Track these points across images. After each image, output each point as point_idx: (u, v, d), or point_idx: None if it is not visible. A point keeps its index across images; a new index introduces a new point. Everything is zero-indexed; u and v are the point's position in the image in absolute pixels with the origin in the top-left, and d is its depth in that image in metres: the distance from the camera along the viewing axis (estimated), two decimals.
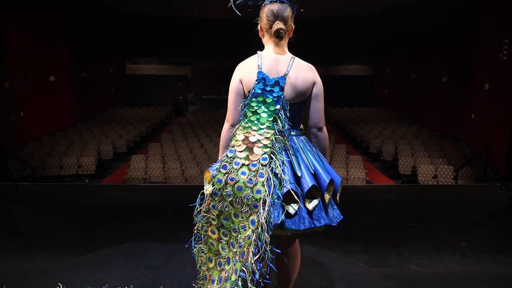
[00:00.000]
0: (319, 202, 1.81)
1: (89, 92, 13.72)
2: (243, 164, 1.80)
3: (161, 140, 11.37)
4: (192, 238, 1.97)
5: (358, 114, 14.96)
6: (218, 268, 1.96)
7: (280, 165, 1.78)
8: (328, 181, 1.81)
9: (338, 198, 1.96)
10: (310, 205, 1.80)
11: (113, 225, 3.99)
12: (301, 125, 2.00)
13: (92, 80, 13.95)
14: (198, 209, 1.89)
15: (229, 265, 1.89)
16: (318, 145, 1.97)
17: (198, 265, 2.03)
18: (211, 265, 2.00)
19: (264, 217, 1.71)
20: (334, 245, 3.29)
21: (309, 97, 1.91)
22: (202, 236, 1.97)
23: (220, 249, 1.95)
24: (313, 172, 1.83)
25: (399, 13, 13.04)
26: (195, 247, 2.01)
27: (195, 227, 1.95)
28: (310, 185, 1.77)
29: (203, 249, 2.00)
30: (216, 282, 1.93)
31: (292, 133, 1.92)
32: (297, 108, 1.92)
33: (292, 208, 1.77)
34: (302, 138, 1.95)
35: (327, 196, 1.85)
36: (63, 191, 5.94)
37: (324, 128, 1.97)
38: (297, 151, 1.88)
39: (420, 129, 12.23)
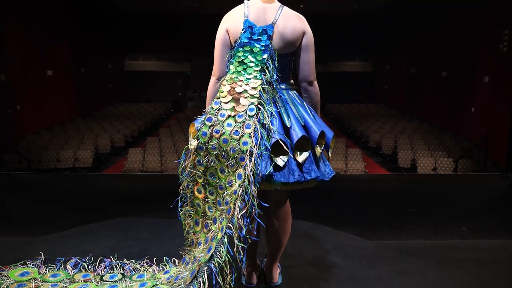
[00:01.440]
0: (309, 155, 1.73)
1: (87, 88, 13.65)
2: (229, 116, 1.72)
3: (159, 134, 11.28)
4: (178, 198, 1.89)
5: (358, 110, 14.88)
6: (205, 230, 1.88)
7: (268, 116, 1.70)
8: (319, 133, 1.73)
9: (330, 155, 1.88)
10: (300, 158, 1.71)
11: (106, 208, 3.89)
12: (292, 80, 1.92)
13: (90, 76, 13.89)
14: (183, 165, 1.80)
15: (215, 224, 1.80)
16: (309, 101, 1.89)
17: (185, 230, 1.95)
18: (198, 229, 1.92)
19: (251, 169, 1.63)
20: (330, 226, 3.20)
21: (298, 48, 1.83)
22: (188, 197, 1.89)
23: (207, 210, 1.86)
24: (303, 124, 1.75)
25: (399, 8, 12.95)
26: (181, 210, 1.93)
27: (181, 187, 1.87)
28: (299, 135, 1.68)
29: (190, 212, 1.92)
30: (202, 244, 1.84)
31: (281, 86, 1.84)
32: (286, 60, 1.84)
33: (281, 160, 1.69)
34: (292, 92, 1.87)
35: (318, 150, 1.77)
36: (58, 180, 5.85)
37: (315, 83, 1.88)
38: (286, 103, 1.80)
39: (420, 124, 12.14)
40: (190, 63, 16.68)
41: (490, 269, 2.20)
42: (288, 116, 1.74)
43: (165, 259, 2.19)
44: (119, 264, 2.19)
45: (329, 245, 2.50)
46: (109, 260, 2.23)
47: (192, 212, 1.91)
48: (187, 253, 1.96)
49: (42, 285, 1.98)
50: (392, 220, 3.66)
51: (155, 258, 2.22)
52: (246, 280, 2.04)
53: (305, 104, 1.85)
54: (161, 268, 2.17)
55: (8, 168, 6.62)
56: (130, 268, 2.16)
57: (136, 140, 11.98)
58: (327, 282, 2.04)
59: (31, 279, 2.01)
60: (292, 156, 1.70)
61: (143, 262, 2.22)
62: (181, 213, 1.92)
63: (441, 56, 11.66)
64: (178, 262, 2.13)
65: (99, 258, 2.22)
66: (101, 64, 14.84)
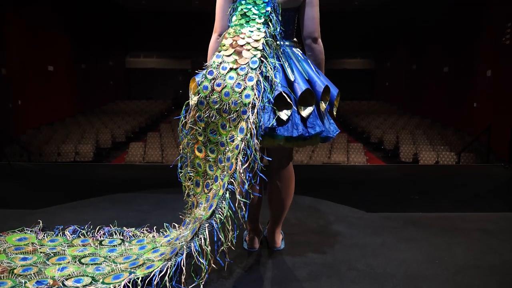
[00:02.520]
0: (314, 110, 1.69)
1: (88, 84, 13.63)
2: (231, 69, 1.67)
3: (160, 130, 11.25)
4: (178, 158, 1.85)
5: (359, 107, 14.84)
6: (206, 191, 1.84)
7: (271, 68, 1.65)
8: (323, 87, 1.68)
9: (335, 113, 1.83)
10: (304, 112, 1.67)
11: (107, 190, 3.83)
12: (295, 38, 1.88)
13: (91, 72, 13.87)
14: (183, 121, 1.76)
15: (216, 183, 1.76)
16: (313, 59, 1.85)
17: (185, 193, 1.91)
18: (198, 190, 1.87)
19: (253, 121, 1.59)
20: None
21: (303, 3, 1.80)
22: (188, 158, 1.85)
23: (208, 169, 1.82)
24: (307, 79, 1.71)
25: (399, 5, 12.93)
26: (181, 172, 1.88)
27: (180, 146, 1.83)
28: (303, 88, 1.64)
29: (190, 174, 1.88)
30: (203, 203, 1.80)
31: (285, 43, 1.80)
32: (289, 16, 1.80)
33: (284, 114, 1.65)
34: (296, 49, 1.83)
35: (323, 106, 1.73)
36: (58, 169, 5.79)
37: (320, 40, 1.85)
38: (289, 58, 1.76)
39: (422, 120, 12.10)
40: (191, 60, 16.63)
41: (497, 236, 2.16)
42: (292, 71, 1.70)
43: (165, 225, 2.14)
44: (118, 231, 2.15)
45: (332, 217, 2.46)
46: (108, 228, 2.19)
47: (192, 174, 1.87)
48: (187, 216, 1.92)
49: (40, 248, 1.93)
50: (394, 206, 3.60)
51: (155, 227, 2.18)
52: (248, 245, 2.00)
53: (309, 61, 1.81)
54: (161, 233, 2.12)
55: (9, 158, 6.59)
56: (130, 234, 2.12)
57: (137, 135, 11.94)
58: (331, 248, 1.99)
59: (28, 243, 1.97)
60: (296, 110, 1.66)
61: (143, 230, 2.18)
62: (181, 175, 1.88)
63: (442, 51, 11.62)
64: (179, 227, 2.09)
65: (98, 227, 2.18)
66: (102, 61, 14.83)
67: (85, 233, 2.13)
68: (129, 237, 2.09)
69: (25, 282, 1.60)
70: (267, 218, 2.05)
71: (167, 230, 2.14)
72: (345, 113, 13.83)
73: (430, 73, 12.37)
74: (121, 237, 2.09)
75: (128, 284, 1.58)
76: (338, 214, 2.51)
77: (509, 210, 2.75)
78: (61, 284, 1.59)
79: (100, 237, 2.09)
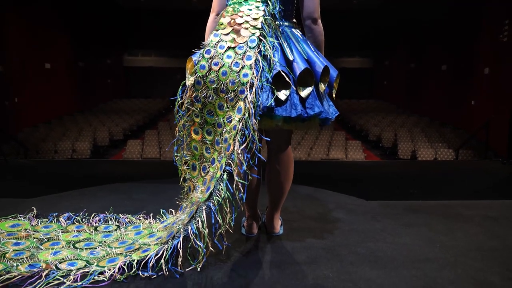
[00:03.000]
0: (313, 90, 1.65)
1: (86, 82, 13.56)
2: (229, 47, 1.64)
3: (158, 127, 11.20)
4: (174, 141, 1.81)
5: (357, 106, 14.83)
6: (203, 174, 1.80)
7: (270, 47, 1.62)
8: (323, 67, 1.65)
9: (334, 95, 1.80)
10: (303, 93, 1.64)
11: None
12: (294, 19, 1.84)
13: (89, 70, 13.80)
14: (179, 102, 1.72)
15: (213, 165, 1.72)
16: (313, 40, 1.81)
17: (181, 177, 1.87)
18: (194, 174, 1.83)
19: (251, 100, 1.55)
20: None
21: None
22: (184, 141, 1.81)
23: (204, 152, 1.79)
24: (306, 59, 1.67)
25: (399, 4, 12.90)
26: (176, 156, 1.85)
27: (176, 128, 1.79)
28: (302, 68, 1.61)
29: (186, 158, 1.84)
30: (200, 186, 1.76)
31: (284, 23, 1.77)
32: None
33: (283, 94, 1.61)
34: (295, 30, 1.79)
35: (322, 87, 1.69)
36: (56, 165, 5.74)
37: (319, 21, 1.81)
38: (288, 38, 1.72)
39: (420, 118, 12.09)
40: None
41: (499, 222, 2.13)
42: (291, 50, 1.67)
43: (162, 211, 2.11)
44: (114, 217, 2.11)
45: (332, 205, 2.43)
46: (104, 214, 2.15)
47: (188, 158, 1.83)
48: (184, 201, 1.88)
49: (33, 233, 1.90)
50: (393, 200, 3.58)
51: (151, 214, 2.15)
52: (247, 230, 1.96)
53: (309, 42, 1.78)
54: (158, 219, 2.09)
55: (5, 154, 6.52)
56: (125, 220, 2.08)
57: (134, 134, 11.88)
58: (330, 234, 1.96)
59: (21, 229, 1.93)
60: (294, 90, 1.63)
61: (139, 216, 2.14)
62: (176, 158, 1.84)
63: (440, 50, 11.61)
64: (176, 212, 2.05)
65: (94, 214, 2.14)
66: (100, 59, 14.76)
67: (80, 219, 2.09)
68: (125, 224, 2.05)
69: (17, 265, 1.56)
70: (265, 206, 2.02)
71: (164, 216, 2.10)
72: (344, 111, 13.81)
73: (429, 72, 12.36)
74: (117, 223, 2.05)
75: (123, 266, 1.54)
76: (338, 202, 2.48)
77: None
78: (54, 267, 1.55)
79: (95, 223, 2.06)
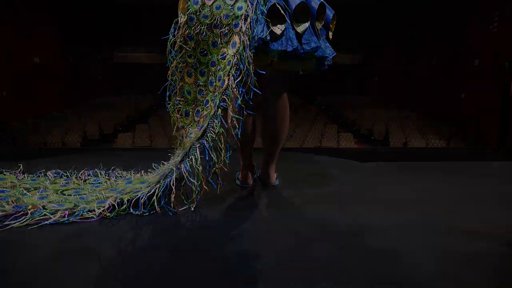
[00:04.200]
0: (309, 27, 1.61)
1: (76, 78, 13.40)
2: None
3: (149, 122, 11.10)
4: (166, 84, 1.75)
5: (348, 101, 14.86)
6: (196, 118, 1.74)
7: None
8: (318, 3, 1.61)
9: (331, 36, 1.76)
10: (300, 28, 1.59)
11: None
12: None
13: (79, 66, 13.65)
14: (172, 40, 1.66)
15: (207, 105, 1.67)
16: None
17: (175, 127, 1.81)
18: (187, 120, 1.78)
19: (246, 32, 1.50)
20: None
21: None
22: (177, 85, 1.75)
23: (198, 95, 1.73)
24: None
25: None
26: (169, 103, 1.79)
27: (169, 72, 1.74)
28: (298, 1, 1.56)
29: (179, 104, 1.78)
30: (194, 131, 1.70)
31: None
32: None
33: (278, 29, 1.56)
34: None
35: (318, 25, 1.65)
36: (44, 153, 5.62)
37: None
38: None
39: (411, 112, 12.14)
40: None
41: (499, 177, 2.11)
42: None
43: (153, 165, 2.04)
44: (104, 172, 2.04)
45: (329, 165, 2.38)
46: (94, 170, 2.08)
47: (181, 104, 1.78)
48: (176, 151, 1.81)
49: (19, 185, 1.82)
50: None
51: (142, 171, 2.08)
52: (241, 181, 1.90)
53: None
54: (149, 172, 2.02)
55: None
56: (116, 175, 2.01)
57: (125, 128, 11.75)
58: (327, 185, 1.91)
59: (7, 182, 1.85)
60: (290, 25, 1.58)
61: (130, 172, 2.07)
62: (169, 105, 1.79)
63: (430, 43, 11.68)
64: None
65: (83, 170, 2.07)
66: (90, 55, 14.60)
67: (68, 174, 2.02)
68: (115, 177, 1.98)
69: (2, 206, 1.49)
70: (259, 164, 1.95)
71: (155, 169, 2.04)
72: (335, 106, 13.83)
73: (419, 66, 12.43)
74: (107, 177, 1.98)
75: (114, 203, 1.47)
76: (335, 162, 2.44)
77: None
78: (41, 207, 1.48)
79: (85, 177, 1.98)
